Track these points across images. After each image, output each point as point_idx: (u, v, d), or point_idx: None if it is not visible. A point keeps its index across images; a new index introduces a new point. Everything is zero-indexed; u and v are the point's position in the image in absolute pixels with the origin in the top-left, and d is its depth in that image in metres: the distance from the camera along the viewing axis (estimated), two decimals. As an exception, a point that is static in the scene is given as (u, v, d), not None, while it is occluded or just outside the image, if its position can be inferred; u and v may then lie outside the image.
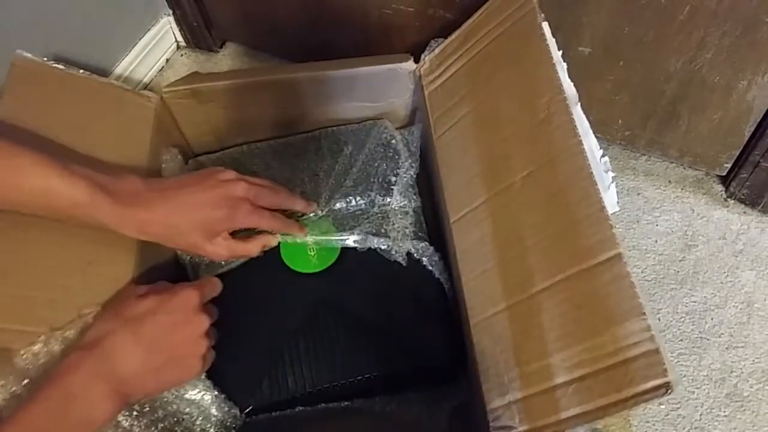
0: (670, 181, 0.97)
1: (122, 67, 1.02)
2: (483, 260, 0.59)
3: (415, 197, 0.77)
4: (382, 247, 0.71)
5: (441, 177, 0.70)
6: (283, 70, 0.88)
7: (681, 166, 0.98)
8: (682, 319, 0.85)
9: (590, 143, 0.53)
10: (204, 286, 0.58)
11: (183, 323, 0.54)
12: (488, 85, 0.68)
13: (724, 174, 0.95)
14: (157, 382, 0.53)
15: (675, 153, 0.94)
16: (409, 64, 0.80)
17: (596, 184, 0.49)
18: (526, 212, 0.56)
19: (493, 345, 0.54)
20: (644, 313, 0.43)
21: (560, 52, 0.62)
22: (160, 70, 1.10)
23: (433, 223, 0.78)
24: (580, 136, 0.53)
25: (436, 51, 0.78)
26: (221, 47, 1.13)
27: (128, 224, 0.56)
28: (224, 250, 0.62)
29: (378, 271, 0.71)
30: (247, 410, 0.62)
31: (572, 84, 0.59)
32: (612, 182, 0.52)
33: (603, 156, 0.54)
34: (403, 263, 0.71)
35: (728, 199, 0.95)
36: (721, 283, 0.88)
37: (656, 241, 0.91)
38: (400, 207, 0.76)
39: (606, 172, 0.53)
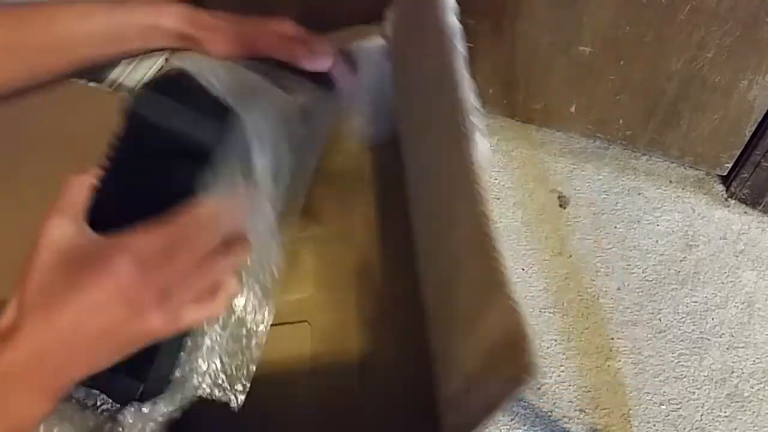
0: (671, 181, 0.97)
1: (116, 73, 1.01)
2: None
3: None
4: None
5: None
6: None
7: (682, 165, 0.98)
8: (683, 320, 0.85)
9: None
10: None
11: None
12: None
13: (725, 174, 0.94)
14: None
15: (676, 153, 0.94)
16: None
17: None
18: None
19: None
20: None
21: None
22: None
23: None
24: None
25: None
26: (221, 47, 1.13)
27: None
28: None
29: None
30: None
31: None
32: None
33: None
34: None
35: (729, 199, 0.95)
36: (722, 283, 0.88)
37: (657, 241, 0.91)
38: None
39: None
